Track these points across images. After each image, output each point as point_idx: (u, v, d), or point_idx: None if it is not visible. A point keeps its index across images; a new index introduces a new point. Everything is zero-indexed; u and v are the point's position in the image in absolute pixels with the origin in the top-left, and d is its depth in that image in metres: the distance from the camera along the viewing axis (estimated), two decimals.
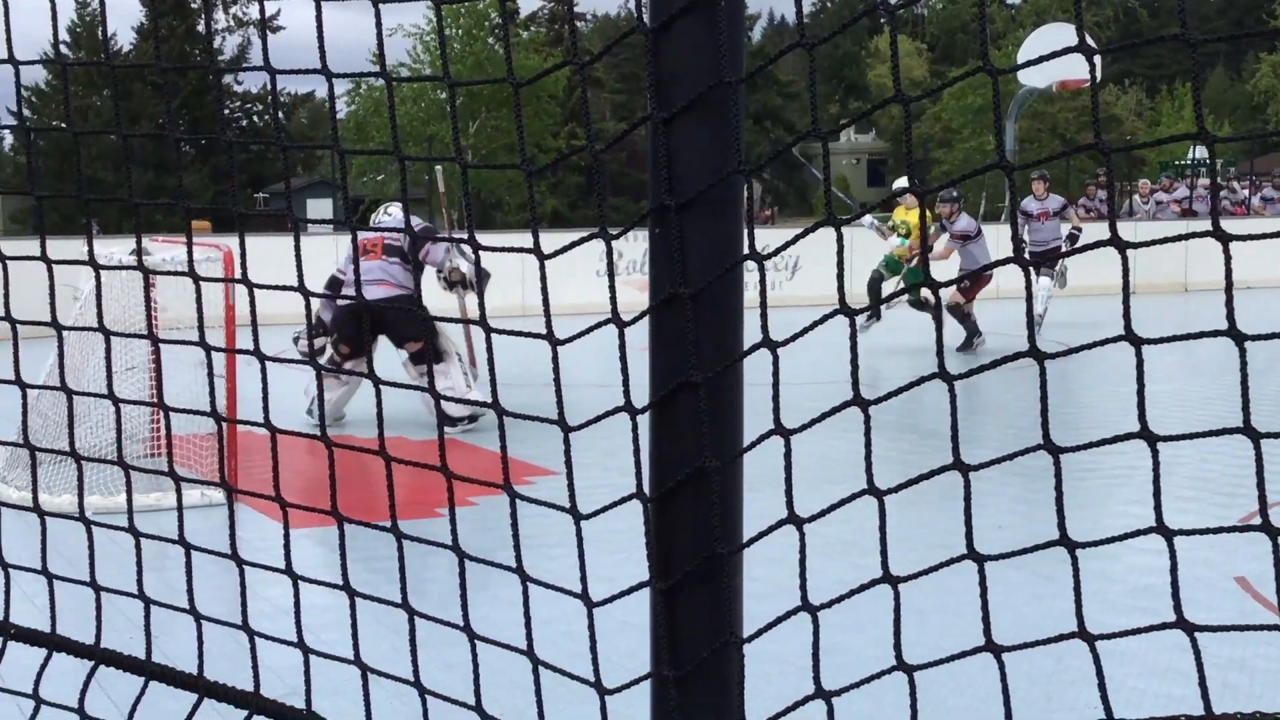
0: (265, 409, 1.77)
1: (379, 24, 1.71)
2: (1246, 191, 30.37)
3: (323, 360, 10.81)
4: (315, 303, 10.82)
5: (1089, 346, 1.40)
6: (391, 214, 11.01)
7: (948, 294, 13.99)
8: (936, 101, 48.28)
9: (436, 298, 11.07)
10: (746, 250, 1.47)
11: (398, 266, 10.11)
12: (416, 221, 11.50)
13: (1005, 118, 25.32)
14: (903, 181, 16.27)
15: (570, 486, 1.57)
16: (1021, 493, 7.81)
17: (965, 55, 59.71)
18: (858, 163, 67.53)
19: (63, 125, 2.03)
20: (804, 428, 1.44)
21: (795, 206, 58.76)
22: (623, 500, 1.51)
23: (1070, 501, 1.41)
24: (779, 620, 1.47)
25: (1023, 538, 1.41)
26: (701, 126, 1.46)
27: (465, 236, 1.67)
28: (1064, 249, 17.95)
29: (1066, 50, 1.38)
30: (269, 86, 1.92)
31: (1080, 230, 18.45)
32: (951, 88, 44.65)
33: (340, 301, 10.23)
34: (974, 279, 13.97)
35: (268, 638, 1.91)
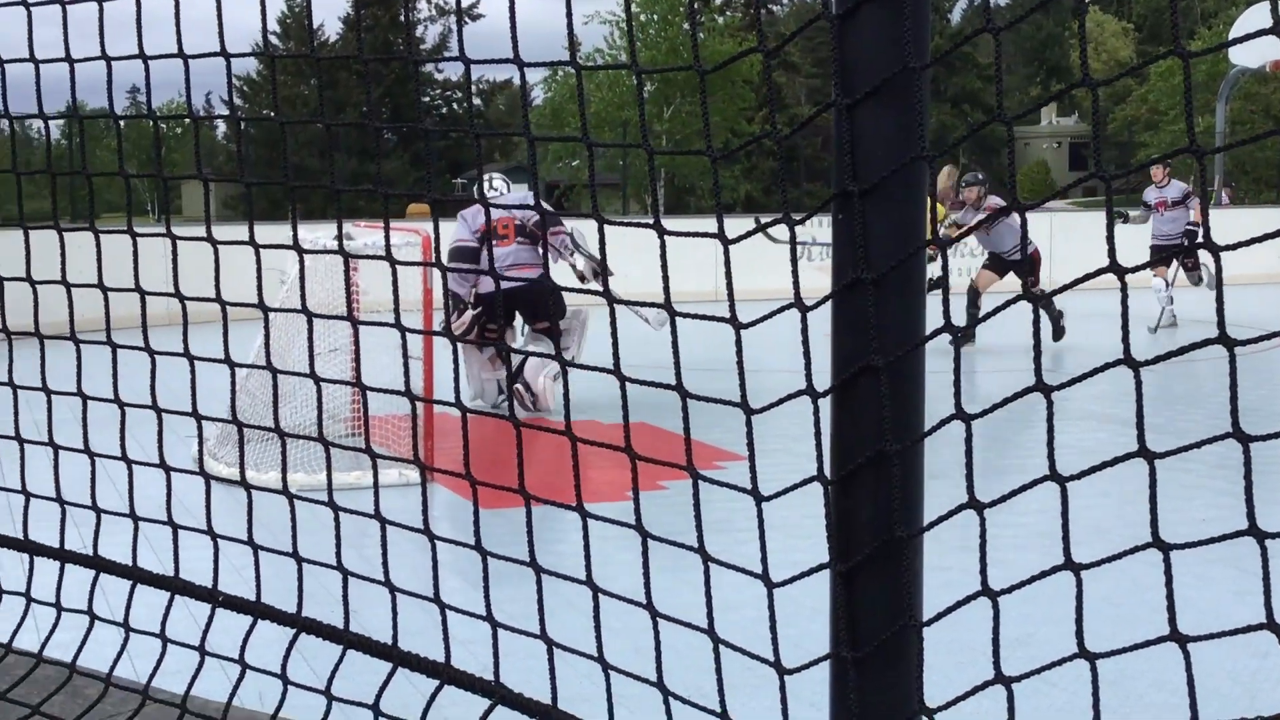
0: (456, 390, 1.82)
1: (569, 12, 1.74)
2: None
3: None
4: (450, 278, 10.96)
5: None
6: (497, 188, 11.18)
7: (971, 274, 13.43)
8: (1143, 83, 46.95)
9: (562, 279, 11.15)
10: (929, 235, 1.47)
11: (528, 248, 10.30)
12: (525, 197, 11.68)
13: (1216, 98, 24.56)
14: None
15: (752, 469, 1.59)
16: (1227, 486, 7.59)
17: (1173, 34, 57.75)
18: (1059, 146, 66.07)
19: (271, 114, 2.11)
20: (985, 413, 1.44)
21: (1009, 191, 57.64)
22: (803, 483, 1.53)
23: (1268, 495, 1.38)
24: (958, 605, 1.47)
25: (1227, 531, 1.38)
26: (885, 112, 1.47)
27: (650, 221, 1.70)
28: (1187, 243, 17.13)
29: (1263, 32, 1.35)
30: (466, 75, 1.97)
31: (1197, 226, 16.86)
32: (1156, 66, 43.16)
33: (484, 288, 10.46)
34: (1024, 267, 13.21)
35: (457, 610, 1.97)
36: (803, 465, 1.49)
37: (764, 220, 1.54)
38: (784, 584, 1.55)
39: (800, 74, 55.63)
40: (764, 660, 1.58)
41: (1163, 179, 17.45)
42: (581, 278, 10.72)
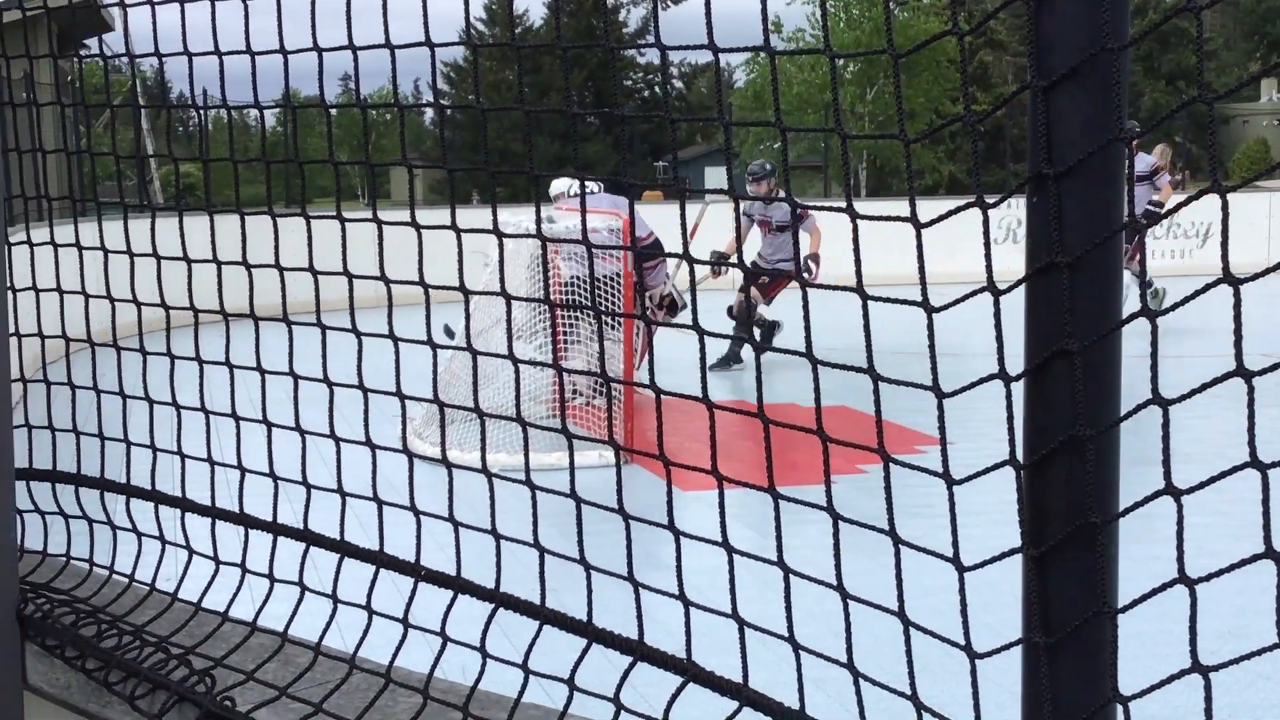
0: (650, 371, 1.85)
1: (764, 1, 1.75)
2: None
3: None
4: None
5: None
6: (577, 193, 11.31)
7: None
8: None
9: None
10: (1126, 218, 1.45)
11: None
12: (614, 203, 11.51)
13: None
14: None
15: (943, 452, 1.59)
16: None
17: None
18: (1279, 124, 63.69)
19: (473, 100, 2.16)
20: (1183, 398, 1.41)
21: (1209, 172, 55.96)
22: (995, 467, 1.52)
23: None
24: (1153, 592, 1.45)
25: None
26: (1082, 94, 1.45)
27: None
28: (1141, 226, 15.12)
29: None
30: (662, 61, 1.99)
31: (1160, 206, 14.39)
32: None
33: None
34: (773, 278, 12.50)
35: (651, 589, 2.00)
36: (1002, 450, 1.49)
37: (955, 205, 1.53)
38: (974, 568, 1.55)
39: (1007, 52, 54.61)
40: (955, 644, 1.58)
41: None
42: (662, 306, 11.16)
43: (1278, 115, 63.83)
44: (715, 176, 42.30)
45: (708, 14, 1.82)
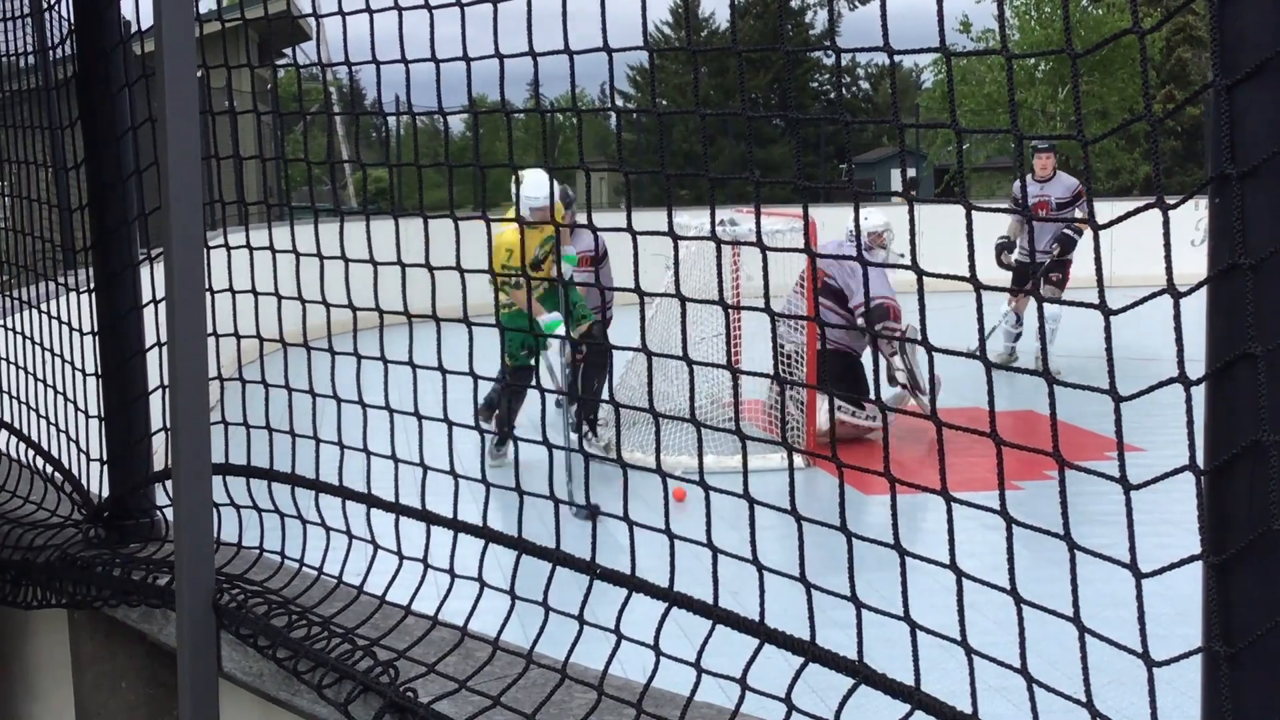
0: (818, 371, 1.85)
1: (940, 7, 1.74)
2: None
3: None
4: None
5: None
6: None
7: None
8: None
9: None
10: None
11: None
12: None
13: None
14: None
15: (1120, 457, 1.56)
16: None
17: None
18: None
19: (653, 104, 2.19)
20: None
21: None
22: (1174, 472, 1.49)
23: None
24: None
25: None
26: (1268, 92, 1.41)
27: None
28: (1053, 261, 13.43)
29: None
30: (836, 63, 2.00)
31: (1078, 235, 13.27)
32: None
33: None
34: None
35: (822, 590, 2.00)
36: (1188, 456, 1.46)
37: (1135, 207, 1.50)
38: (1152, 575, 1.52)
39: (1206, 49, 53.08)
40: (1132, 651, 1.56)
41: (1049, 171, 13.77)
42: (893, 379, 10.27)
43: None
44: (900, 178, 41.86)
45: (883, 15, 1.82)
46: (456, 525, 2.64)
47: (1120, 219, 1.55)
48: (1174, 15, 1.62)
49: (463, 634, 2.67)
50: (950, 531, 1.79)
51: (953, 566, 1.79)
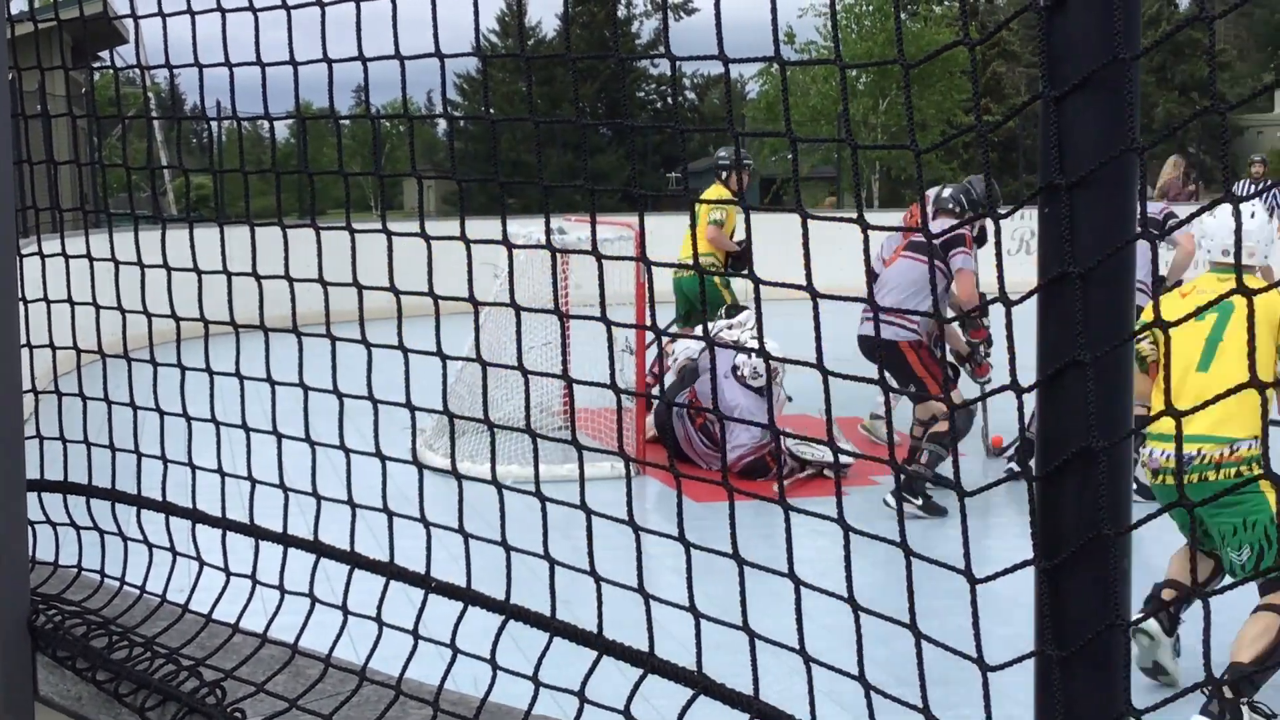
0: (661, 384, 1.84)
1: (774, 7, 1.74)
2: None
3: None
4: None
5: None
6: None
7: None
8: None
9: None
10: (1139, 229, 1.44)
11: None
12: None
13: None
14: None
15: (955, 464, 1.58)
16: None
17: None
18: None
19: (484, 111, 2.16)
20: (1196, 410, 1.41)
21: (1224, 183, 55.78)
22: (1006, 479, 1.52)
23: None
24: (1165, 606, 1.44)
25: None
26: (1094, 104, 1.44)
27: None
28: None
29: None
30: (672, 71, 1.99)
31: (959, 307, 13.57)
32: None
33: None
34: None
35: (661, 601, 2.00)
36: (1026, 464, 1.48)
37: (967, 217, 1.53)
38: (986, 580, 1.54)
39: (1020, 63, 54.57)
40: (967, 656, 1.57)
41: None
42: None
43: None
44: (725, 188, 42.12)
45: (718, 25, 1.82)
46: (286, 540, 2.58)
47: (952, 229, 1.57)
48: (1004, 26, 1.65)
49: (293, 651, 2.61)
50: (788, 540, 1.80)
51: (791, 575, 1.80)
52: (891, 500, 7.92)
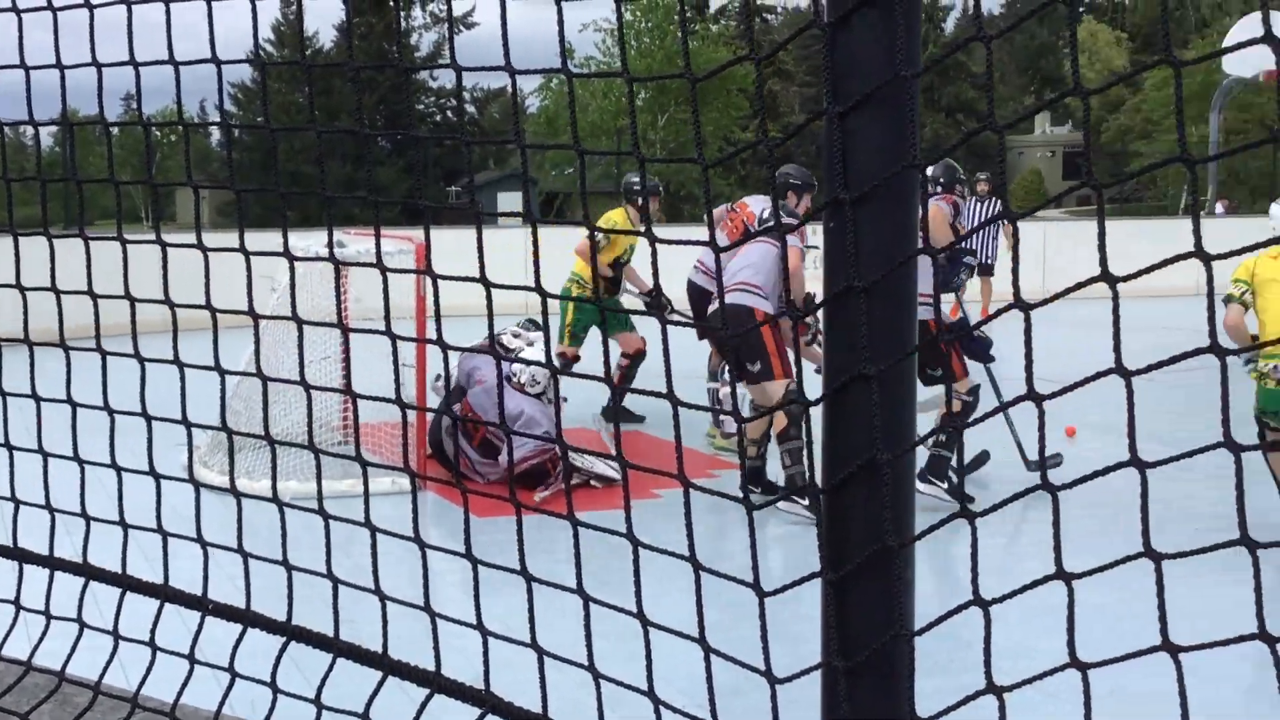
0: (447, 398, 1.81)
1: (560, 19, 1.74)
2: None
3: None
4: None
5: None
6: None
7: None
8: (1136, 92, 47.03)
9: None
10: (920, 244, 1.47)
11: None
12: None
13: (1210, 108, 24.58)
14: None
15: (743, 476, 1.59)
16: (1226, 495, 7.58)
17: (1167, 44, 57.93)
18: (1053, 155, 66.16)
19: (261, 121, 2.10)
20: (977, 421, 1.43)
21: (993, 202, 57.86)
22: (794, 491, 1.52)
23: (1256, 508, 1.38)
24: (949, 614, 1.46)
25: (1207, 538, 1.38)
26: (877, 120, 1.46)
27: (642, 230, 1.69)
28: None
29: (1253, 41, 1.34)
30: (457, 83, 1.96)
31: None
32: (1149, 76, 43.11)
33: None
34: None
35: (448, 619, 1.96)
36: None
37: (753, 232, 1.54)
38: (774, 593, 1.55)
39: (794, 82, 55.70)
40: (754, 669, 1.58)
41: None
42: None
43: (1050, 147, 66.25)
44: (508, 201, 42.20)
45: (504, 38, 1.80)
46: (52, 562, 2.48)
47: (739, 242, 1.57)
48: (789, 42, 1.67)
49: (60, 679, 2.50)
50: (577, 553, 1.78)
51: (580, 591, 1.78)
52: (921, 485, 7.67)
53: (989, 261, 16.00)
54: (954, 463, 8.18)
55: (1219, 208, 25.90)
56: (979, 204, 16.34)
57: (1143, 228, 24.04)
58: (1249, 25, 22.00)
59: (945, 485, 8.23)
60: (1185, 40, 48.71)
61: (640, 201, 11.34)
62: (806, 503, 8.15)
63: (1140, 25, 61.72)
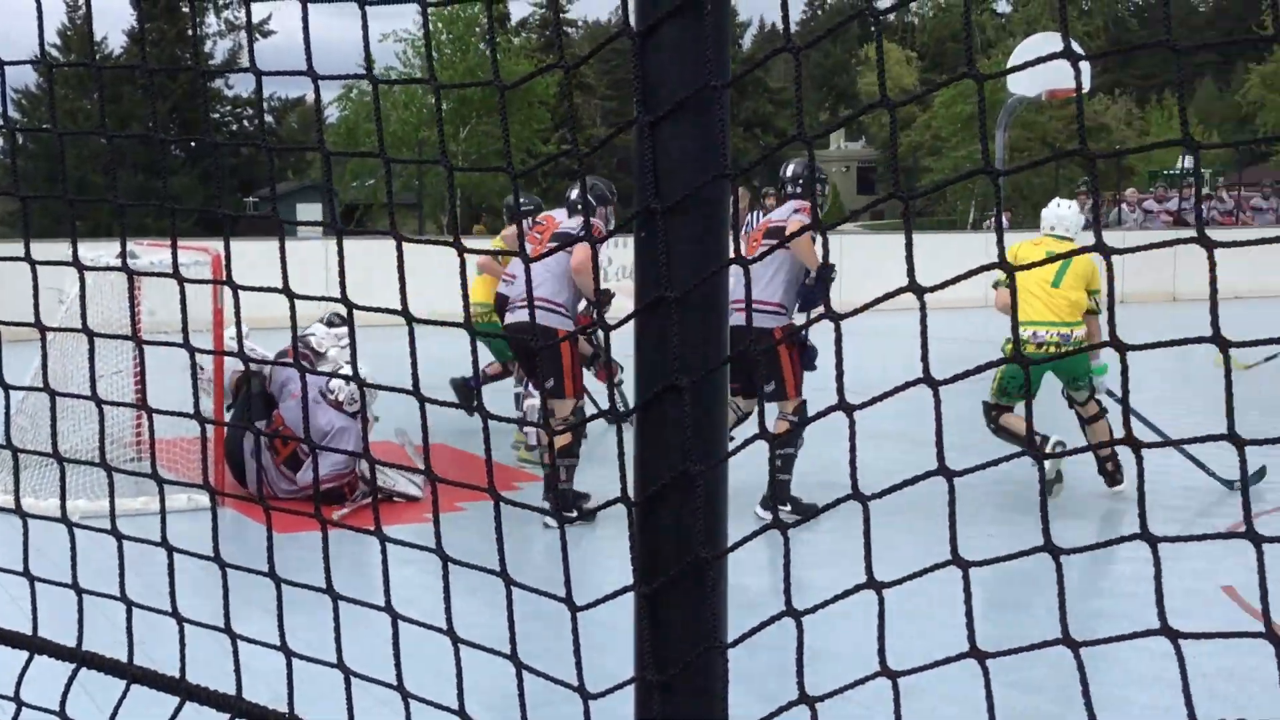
0: (249, 411, 1.76)
1: (365, 25, 1.70)
2: (1235, 201, 30.41)
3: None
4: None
5: (1078, 350, 1.39)
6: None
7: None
8: (926, 109, 48.32)
9: None
10: (732, 254, 1.47)
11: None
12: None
13: (995, 126, 25.36)
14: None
15: (554, 488, 1.57)
16: (1010, 502, 7.81)
17: (955, 63, 59.79)
18: (847, 170, 67.59)
19: (47, 127, 2.02)
20: (788, 433, 1.44)
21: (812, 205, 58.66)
22: (606, 504, 1.51)
23: (1057, 510, 1.41)
24: (762, 626, 1.46)
25: (1011, 546, 1.40)
26: (687, 130, 1.46)
27: (452, 240, 1.66)
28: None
29: (1053, 56, 1.38)
30: (257, 90, 1.91)
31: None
32: (939, 95, 44.41)
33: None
34: None
35: (249, 640, 1.90)
36: (614, 487, 1.47)
37: (562, 241, 1.52)
38: (587, 607, 1.53)
39: (595, 95, 55.94)
40: (567, 685, 1.56)
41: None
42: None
43: (845, 162, 67.65)
44: (307, 212, 41.51)
45: (306, 41, 1.76)
46: None
47: (547, 253, 1.55)
48: (597, 51, 1.65)
49: None
50: (385, 572, 1.74)
51: (388, 609, 1.74)
52: (762, 511, 7.67)
53: None
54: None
55: (1004, 221, 26.75)
56: (760, 215, 16.66)
57: (933, 241, 24.77)
58: (1031, 46, 22.78)
59: (789, 508, 8.21)
60: (972, 60, 49.97)
61: (518, 221, 11.24)
62: (789, 507, 8.07)
63: (929, 45, 63.40)
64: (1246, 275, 22.06)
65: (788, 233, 8.17)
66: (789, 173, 9.27)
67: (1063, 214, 9.05)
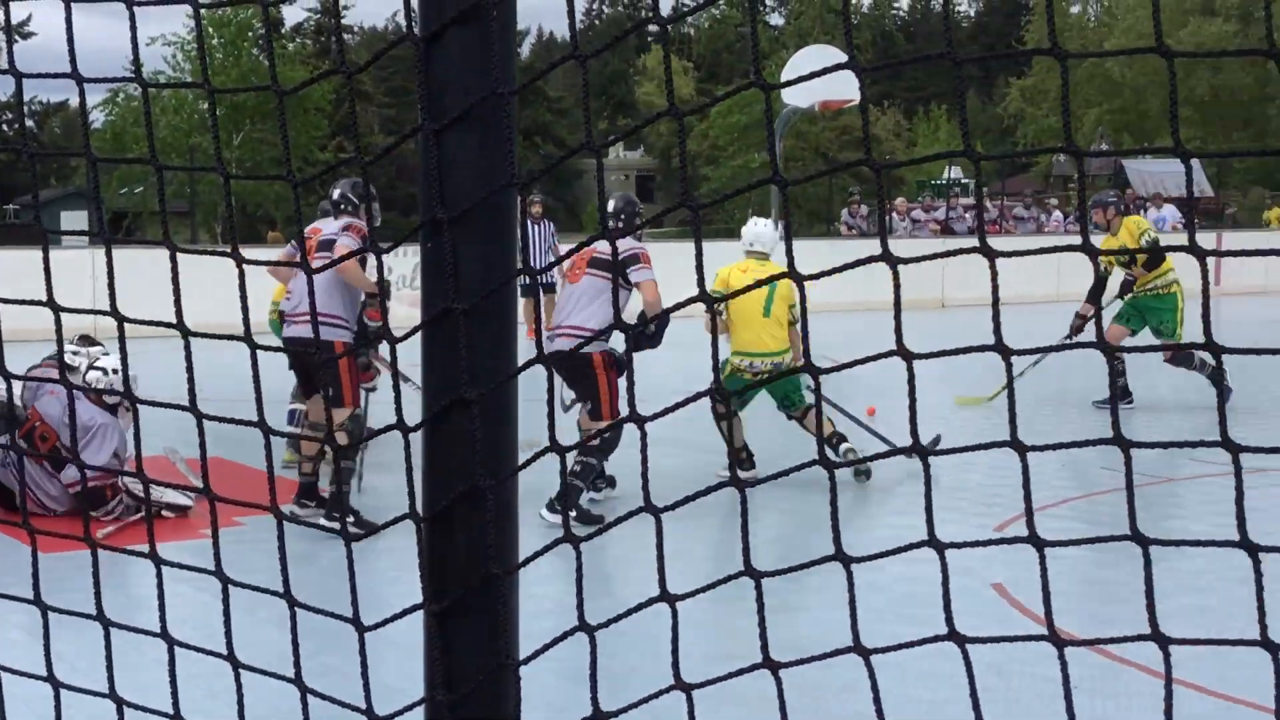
0: (11, 427, 1.67)
1: (133, 26, 1.63)
2: (999, 210, 31.47)
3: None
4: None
5: (860, 362, 1.41)
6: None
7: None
8: (704, 119, 48.97)
9: None
10: (520, 264, 1.44)
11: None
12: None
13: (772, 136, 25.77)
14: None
15: (341, 507, 1.52)
16: (794, 506, 7.93)
17: (731, 74, 60.76)
18: (627, 179, 68.09)
19: None
20: (578, 445, 1.42)
21: (566, 222, 58.98)
22: (394, 521, 1.47)
23: (842, 514, 1.42)
24: (555, 642, 1.44)
25: (798, 552, 1.41)
26: (473, 138, 1.43)
27: (229, 250, 1.61)
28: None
29: (839, 66, 1.39)
30: (17, 93, 1.82)
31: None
32: (718, 106, 45.21)
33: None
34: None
35: (13, 671, 1.81)
36: (401, 503, 1.44)
37: (349, 251, 1.48)
38: (375, 627, 1.49)
39: (373, 103, 55.29)
40: (353, 707, 1.52)
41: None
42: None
43: (624, 171, 68.17)
44: (71, 220, 40.17)
45: (70, 43, 1.68)
46: None
47: (328, 265, 1.51)
48: (383, 54, 1.62)
49: None
50: (160, 593, 1.67)
51: (164, 635, 1.68)
52: (549, 514, 7.56)
53: (552, 281, 16.29)
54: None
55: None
56: (533, 226, 16.60)
57: (714, 249, 25.06)
58: (805, 59, 23.21)
59: (574, 514, 8.06)
60: (746, 71, 51.01)
61: (299, 234, 10.99)
62: (575, 514, 7.85)
63: (705, 55, 64.27)
64: (1013, 283, 22.87)
65: (335, 255, 7.84)
66: (610, 208, 9.12)
67: (760, 232, 9.38)
